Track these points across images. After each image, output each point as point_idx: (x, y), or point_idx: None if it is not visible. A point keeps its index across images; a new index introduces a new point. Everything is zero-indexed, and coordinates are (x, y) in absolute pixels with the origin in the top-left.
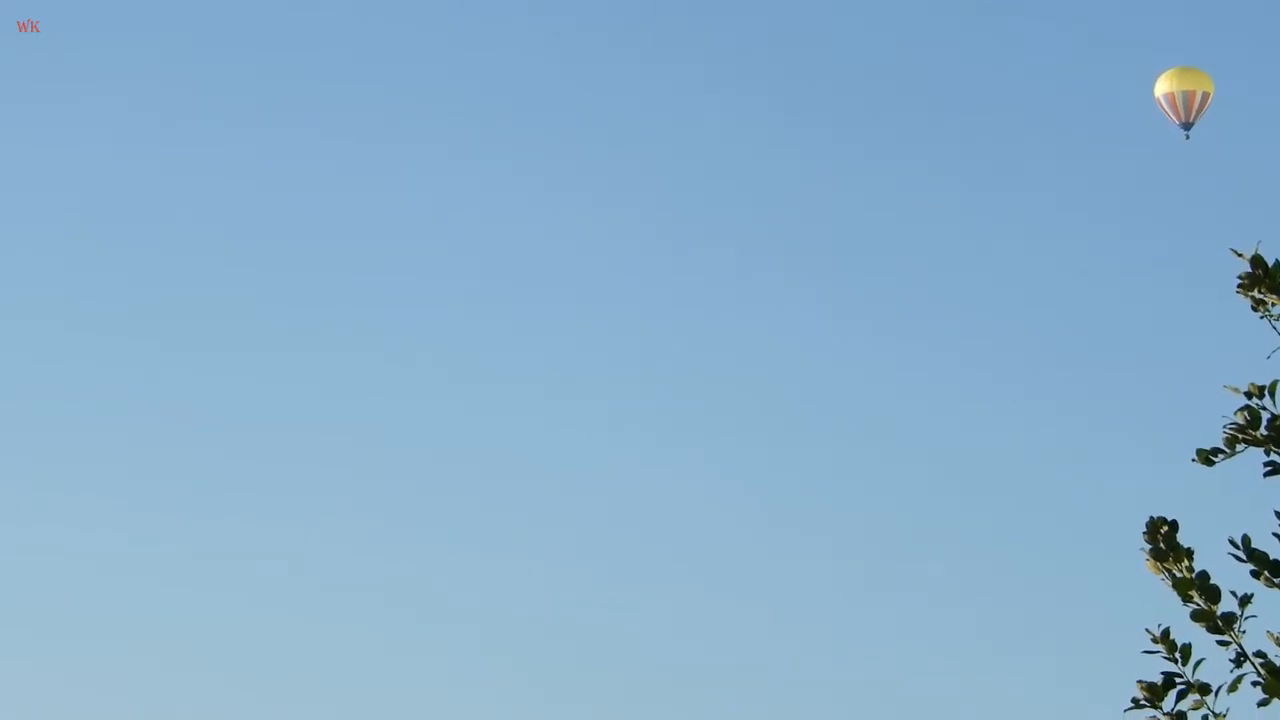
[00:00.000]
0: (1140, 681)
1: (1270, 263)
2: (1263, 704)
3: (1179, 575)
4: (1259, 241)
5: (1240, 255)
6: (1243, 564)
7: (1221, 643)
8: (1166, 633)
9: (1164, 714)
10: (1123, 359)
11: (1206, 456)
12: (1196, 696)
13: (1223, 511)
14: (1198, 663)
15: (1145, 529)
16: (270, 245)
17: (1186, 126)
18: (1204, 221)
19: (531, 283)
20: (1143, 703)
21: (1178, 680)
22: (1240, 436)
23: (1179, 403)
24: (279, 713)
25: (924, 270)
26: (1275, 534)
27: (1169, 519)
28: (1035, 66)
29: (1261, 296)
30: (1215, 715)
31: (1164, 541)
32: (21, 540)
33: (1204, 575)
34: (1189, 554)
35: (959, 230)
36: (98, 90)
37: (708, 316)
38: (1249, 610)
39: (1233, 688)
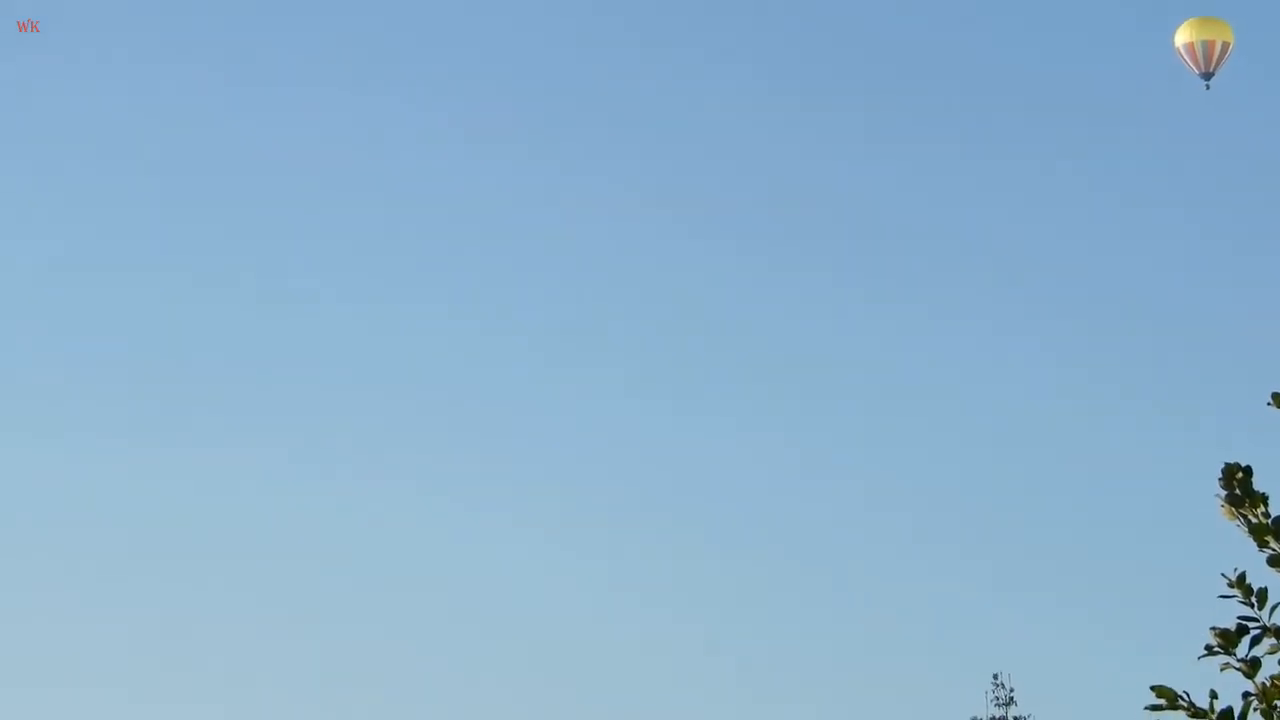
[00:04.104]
0: (1214, 628)
1: None
2: None
3: (1255, 521)
4: None
5: None
6: None
7: None
8: (1243, 577)
9: (1238, 659)
10: (1185, 312)
11: None
12: (1273, 640)
13: None
14: (1274, 607)
15: (1220, 475)
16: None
17: (1207, 76)
18: (1227, 175)
19: (593, 265)
20: (1216, 649)
21: (1252, 626)
22: None
23: (1251, 352)
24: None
25: (965, 242)
26: None
27: (1244, 465)
28: (1053, 20)
29: None
30: None
31: (1239, 487)
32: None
33: (1279, 520)
34: (1264, 499)
35: (994, 195)
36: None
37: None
38: None
39: None
